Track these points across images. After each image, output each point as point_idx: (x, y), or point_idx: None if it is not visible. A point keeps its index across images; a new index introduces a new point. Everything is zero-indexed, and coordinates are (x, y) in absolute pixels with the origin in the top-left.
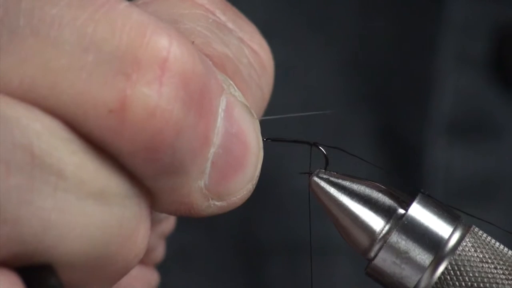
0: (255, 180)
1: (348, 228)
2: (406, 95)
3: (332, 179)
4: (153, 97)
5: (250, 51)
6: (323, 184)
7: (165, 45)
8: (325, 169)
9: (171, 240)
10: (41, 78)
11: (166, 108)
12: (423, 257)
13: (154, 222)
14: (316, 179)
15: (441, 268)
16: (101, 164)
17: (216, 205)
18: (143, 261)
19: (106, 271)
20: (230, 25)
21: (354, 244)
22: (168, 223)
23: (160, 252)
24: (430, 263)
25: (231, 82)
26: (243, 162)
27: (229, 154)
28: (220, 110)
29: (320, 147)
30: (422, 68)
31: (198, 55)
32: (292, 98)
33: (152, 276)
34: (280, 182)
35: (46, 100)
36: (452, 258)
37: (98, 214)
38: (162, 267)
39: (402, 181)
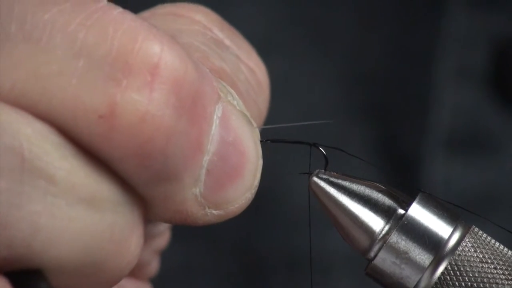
0: (254, 189)
1: (348, 228)
2: (404, 109)
3: (332, 179)
4: (142, 102)
5: (247, 68)
6: (322, 184)
7: (156, 51)
8: (325, 169)
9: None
10: (32, 83)
11: (156, 114)
12: (423, 257)
13: (148, 237)
14: (315, 179)
15: (441, 268)
16: (93, 170)
17: (213, 214)
18: (137, 275)
19: (97, 277)
20: (227, 42)
21: (354, 244)
22: (163, 239)
23: (154, 267)
24: (430, 263)
25: (230, 90)
26: (240, 171)
27: (225, 163)
28: (215, 117)
29: (320, 148)
30: (420, 82)
31: (191, 62)
32: (291, 112)
33: None
34: (280, 184)
35: (37, 105)
36: (452, 258)
37: (89, 220)
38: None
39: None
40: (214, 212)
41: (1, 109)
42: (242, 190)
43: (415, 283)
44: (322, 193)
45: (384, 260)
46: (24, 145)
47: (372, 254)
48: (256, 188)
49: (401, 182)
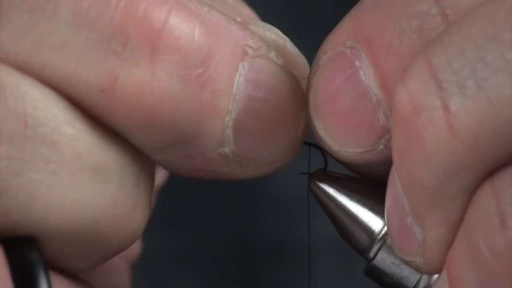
0: (298, 141)
1: (347, 228)
2: None
3: (331, 179)
4: (143, 76)
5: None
6: (322, 184)
7: (160, 18)
8: (325, 169)
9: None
10: (35, 54)
11: (158, 85)
12: None
13: None
14: (315, 179)
15: None
16: (100, 137)
17: (252, 170)
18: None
19: (95, 249)
20: None
21: (353, 244)
22: None
23: (136, 250)
24: None
25: (264, 44)
26: (276, 126)
27: (258, 120)
28: (237, 77)
29: (320, 148)
30: None
31: (202, 24)
32: None
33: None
34: (279, 183)
35: (41, 75)
36: None
37: (91, 190)
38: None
39: None
40: (252, 167)
41: (9, 72)
42: (281, 145)
43: (414, 283)
44: (321, 193)
45: (383, 260)
46: (28, 110)
47: (371, 254)
48: (303, 138)
49: None
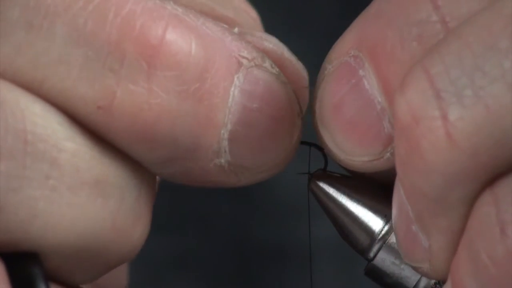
0: (293, 148)
1: (347, 228)
2: None
3: (331, 179)
4: (140, 93)
5: (243, 9)
6: (322, 184)
7: (157, 34)
8: (325, 169)
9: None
10: (33, 70)
11: (155, 101)
12: None
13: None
14: (315, 179)
15: None
16: (100, 152)
17: (247, 178)
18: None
19: (95, 263)
20: None
21: (353, 244)
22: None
23: (123, 280)
24: None
25: (259, 54)
26: (271, 135)
27: (253, 129)
28: (232, 89)
29: (320, 148)
30: None
31: (198, 38)
32: None
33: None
34: (279, 183)
35: (39, 91)
36: None
37: (91, 206)
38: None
39: None
40: (248, 175)
41: (7, 88)
42: (275, 153)
43: (414, 283)
44: (321, 194)
45: (383, 260)
46: (28, 127)
47: (371, 254)
48: (297, 145)
49: None
